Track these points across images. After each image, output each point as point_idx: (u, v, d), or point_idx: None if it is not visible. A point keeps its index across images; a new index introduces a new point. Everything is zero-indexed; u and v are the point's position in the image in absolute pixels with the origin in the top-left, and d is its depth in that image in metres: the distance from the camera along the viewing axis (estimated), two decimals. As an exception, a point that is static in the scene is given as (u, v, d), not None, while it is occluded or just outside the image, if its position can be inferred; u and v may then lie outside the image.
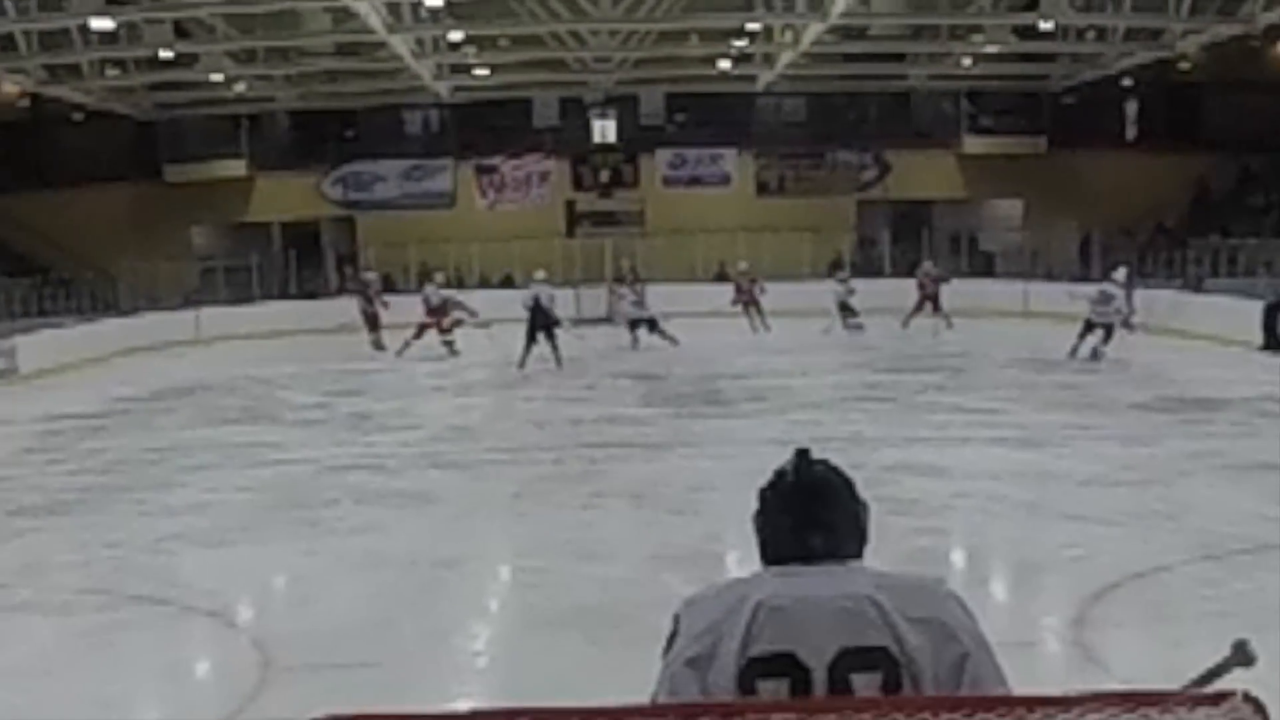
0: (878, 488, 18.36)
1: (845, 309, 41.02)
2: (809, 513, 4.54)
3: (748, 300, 41.52)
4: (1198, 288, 38.70)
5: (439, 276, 38.42)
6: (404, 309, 39.83)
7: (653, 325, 38.49)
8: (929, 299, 40.11)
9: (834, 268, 46.07)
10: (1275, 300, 32.84)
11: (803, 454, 4.64)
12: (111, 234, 49.78)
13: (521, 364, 31.50)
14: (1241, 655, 5.00)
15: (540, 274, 34.64)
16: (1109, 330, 29.33)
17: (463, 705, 6.40)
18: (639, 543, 15.91)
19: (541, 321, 31.30)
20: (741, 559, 15.30)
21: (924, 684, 4.25)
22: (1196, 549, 15.02)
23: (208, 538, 17.04)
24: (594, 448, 22.12)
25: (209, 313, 47.07)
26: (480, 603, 14.39)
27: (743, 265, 43.91)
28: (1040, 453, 21.22)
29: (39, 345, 38.99)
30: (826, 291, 41.84)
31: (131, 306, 45.86)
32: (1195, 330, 36.21)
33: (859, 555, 4.50)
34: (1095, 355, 29.43)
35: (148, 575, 15.18)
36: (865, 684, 4.21)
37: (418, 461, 21.73)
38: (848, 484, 4.65)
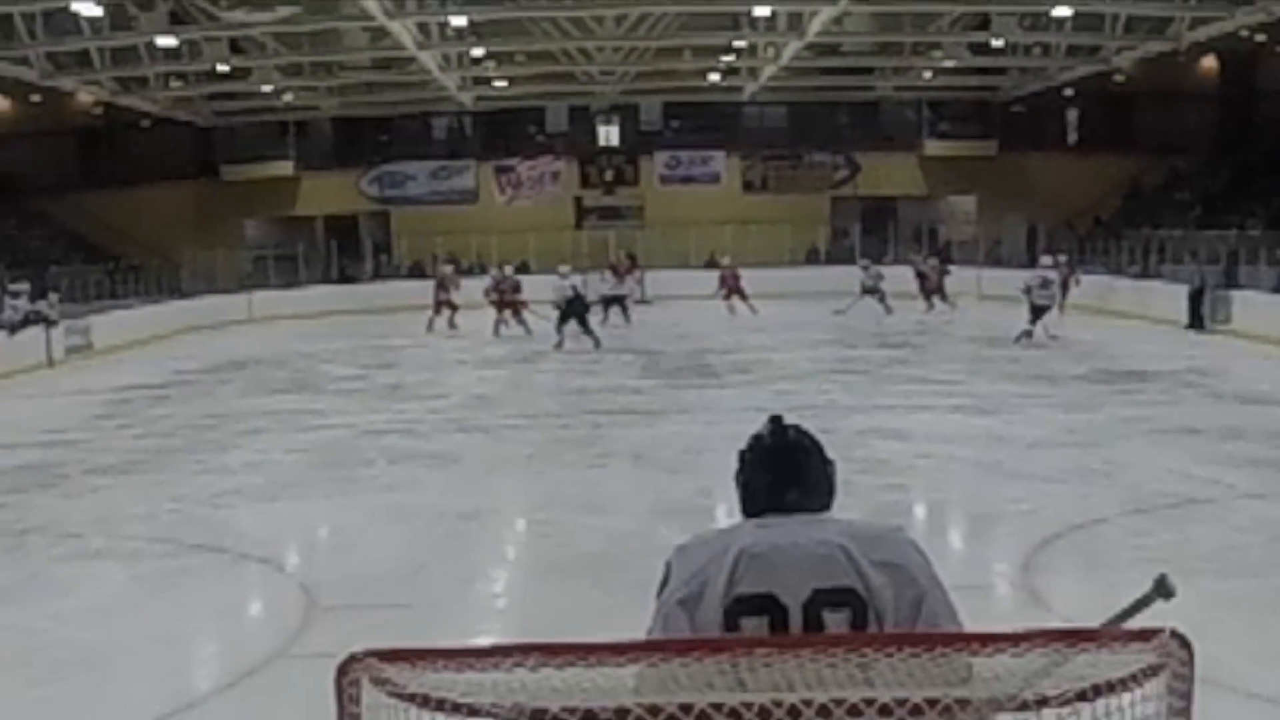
0: (849, 450, 18.57)
1: (873, 292, 40.70)
2: (784, 471, 4.69)
3: (730, 289, 41.06)
4: (1145, 273, 38.82)
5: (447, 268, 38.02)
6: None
7: (620, 301, 39.10)
8: (933, 288, 40.24)
9: (863, 257, 45.53)
10: (1199, 286, 33.04)
11: (777, 420, 4.79)
12: (174, 226, 49.87)
13: (559, 344, 31.33)
14: (1163, 589, 4.96)
15: (565, 268, 34.18)
16: (1043, 310, 29.40)
17: (483, 641, 6.47)
18: (638, 497, 15.95)
19: (578, 308, 31.03)
20: (729, 511, 15.28)
21: (887, 621, 4.41)
22: (1129, 503, 15.08)
23: (259, 493, 17.17)
24: (599, 414, 22.15)
25: (260, 295, 47.43)
26: (499, 551, 14.45)
27: (725, 259, 44.00)
28: (992, 419, 21.28)
29: (111, 324, 39.13)
30: (850, 277, 42.04)
31: (192, 290, 45.90)
32: (1129, 311, 36.27)
33: (828, 507, 4.62)
34: (1050, 335, 29.41)
35: (206, 526, 15.26)
36: (835, 621, 4.37)
37: (444, 426, 21.77)
38: (817, 445, 4.77)
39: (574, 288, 31.03)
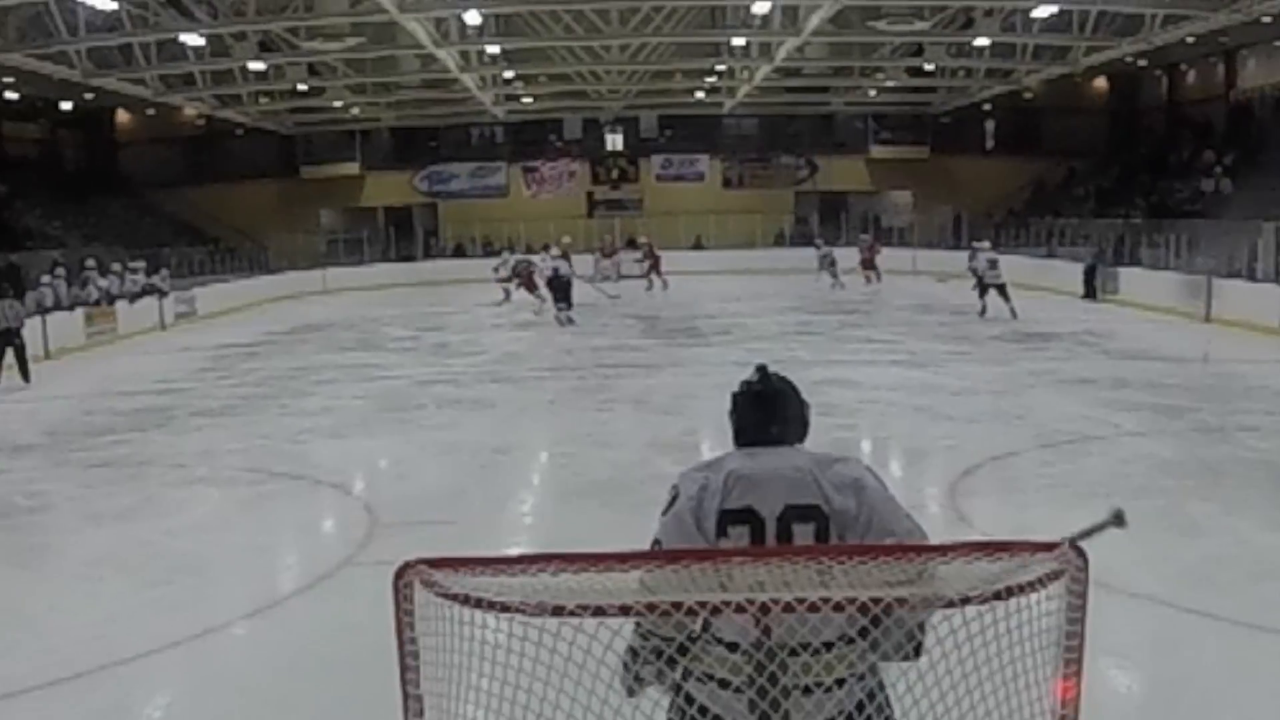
0: (809, 396, 18.41)
1: (829, 267, 40.94)
2: (768, 410, 4.84)
3: (651, 264, 40.76)
4: (1049, 253, 38.80)
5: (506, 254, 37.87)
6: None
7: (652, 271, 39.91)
8: (871, 261, 40.15)
9: (861, 233, 45.65)
10: (1093, 263, 33.23)
11: (763, 369, 5.00)
12: (262, 215, 49.88)
13: (561, 320, 30.08)
14: (1117, 520, 5.17)
15: (556, 250, 33.56)
16: (1003, 288, 28.52)
17: (513, 551, 6.43)
18: (639, 435, 15.94)
19: (558, 285, 30.02)
20: (712, 446, 15.30)
21: (846, 532, 4.59)
22: (1036, 440, 15.11)
23: (331, 432, 17.19)
24: (607, 368, 22.09)
25: (332, 271, 47.32)
26: (525, 478, 14.41)
27: (643, 239, 44.10)
28: (924, 371, 21.25)
29: (211, 295, 39.11)
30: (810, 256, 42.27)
31: (277, 267, 45.85)
32: (1035, 284, 36.20)
33: (803, 440, 4.84)
34: (1014, 314, 28.48)
35: (288, 458, 15.30)
36: (802, 531, 4.57)
37: (481, 377, 21.73)
38: (795, 390, 4.96)
39: (556, 269, 30.10)
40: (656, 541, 4.70)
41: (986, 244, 31.15)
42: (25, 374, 22.06)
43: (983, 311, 29.30)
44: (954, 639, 4.45)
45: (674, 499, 4.73)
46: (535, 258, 33.71)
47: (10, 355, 22.37)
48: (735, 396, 5.01)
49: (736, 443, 4.90)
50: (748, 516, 4.60)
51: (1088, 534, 5.11)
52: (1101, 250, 34.37)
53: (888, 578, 4.27)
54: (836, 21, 31.35)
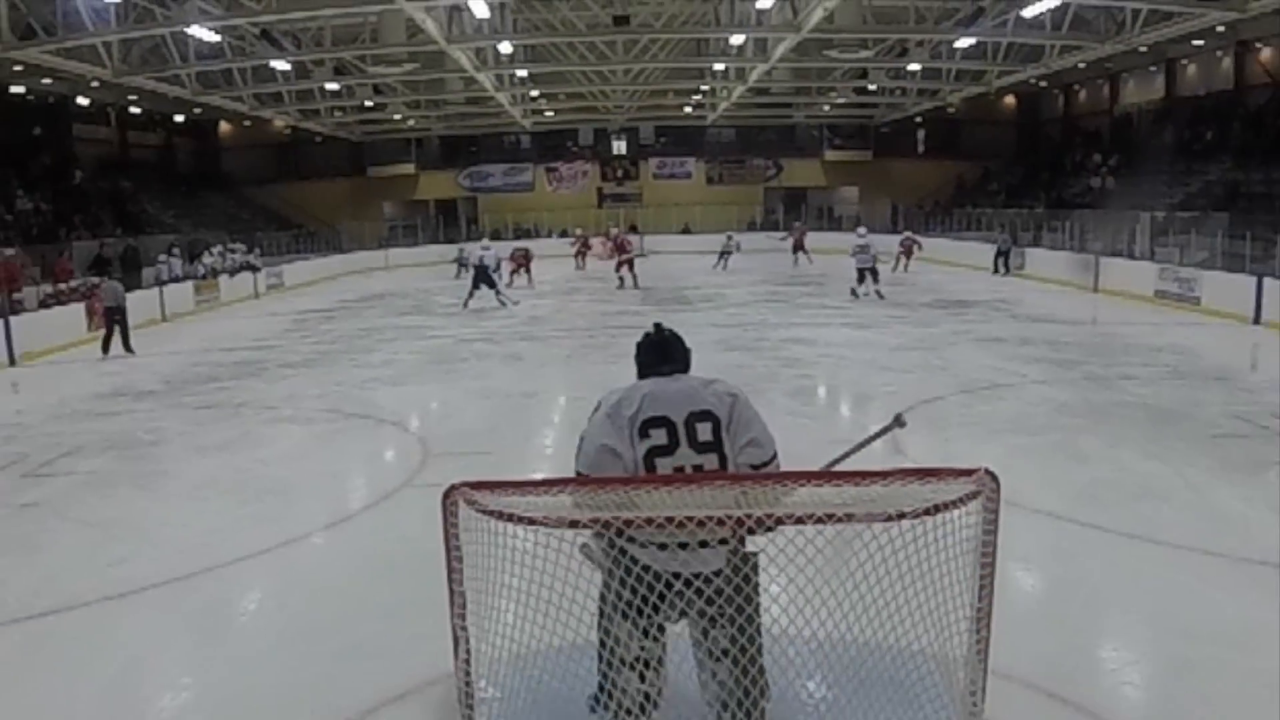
0: (776, 351, 18.52)
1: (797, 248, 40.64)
2: (664, 352, 5.50)
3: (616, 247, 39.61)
4: (967, 237, 38.82)
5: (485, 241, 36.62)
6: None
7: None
8: (800, 244, 39.87)
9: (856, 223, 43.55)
10: (1004, 246, 32.82)
11: (658, 325, 5.76)
12: (336, 206, 49.84)
13: (465, 304, 27.29)
14: (899, 422, 6.55)
15: (486, 240, 32.14)
16: (874, 272, 27.05)
17: (537, 476, 6.39)
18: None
19: (483, 276, 27.56)
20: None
21: (724, 427, 5.21)
22: (957, 387, 15.03)
23: (392, 380, 17.13)
24: (613, 328, 21.93)
25: (392, 251, 47.33)
26: (548, 417, 14.33)
27: (614, 229, 43.77)
28: (868, 331, 21.14)
29: (295, 270, 39.03)
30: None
31: (348, 248, 45.79)
32: (956, 261, 36.14)
33: (687, 371, 5.44)
34: (879, 295, 26.80)
35: (357, 401, 15.24)
36: (702, 428, 5.16)
37: (511, 336, 21.64)
38: (679, 337, 5.65)
39: (481, 259, 27.94)
40: (582, 438, 5.28)
41: (863, 229, 30.32)
42: (128, 345, 21.32)
43: (854, 294, 27.25)
44: (892, 546, 4.48)
45: (598, 408, 5.30)
46: (476, 245, 31.52)
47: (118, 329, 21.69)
48: (639, 344, 5.66)
49: (641, 375, 5.48)
50: (663, 421, 5.11)
51: (878, 435, 6.59)
52: (1011, 235, 33.97)
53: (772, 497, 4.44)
54: (798, 50, 31.28)
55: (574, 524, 4.44)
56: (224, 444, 12.99)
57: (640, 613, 4.66)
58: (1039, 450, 11.33)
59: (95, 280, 27.59)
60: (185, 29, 24.85)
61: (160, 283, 29.53)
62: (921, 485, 4.55)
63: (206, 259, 34.11)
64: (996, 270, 33.43)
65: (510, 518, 4.50)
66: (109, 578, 8.32)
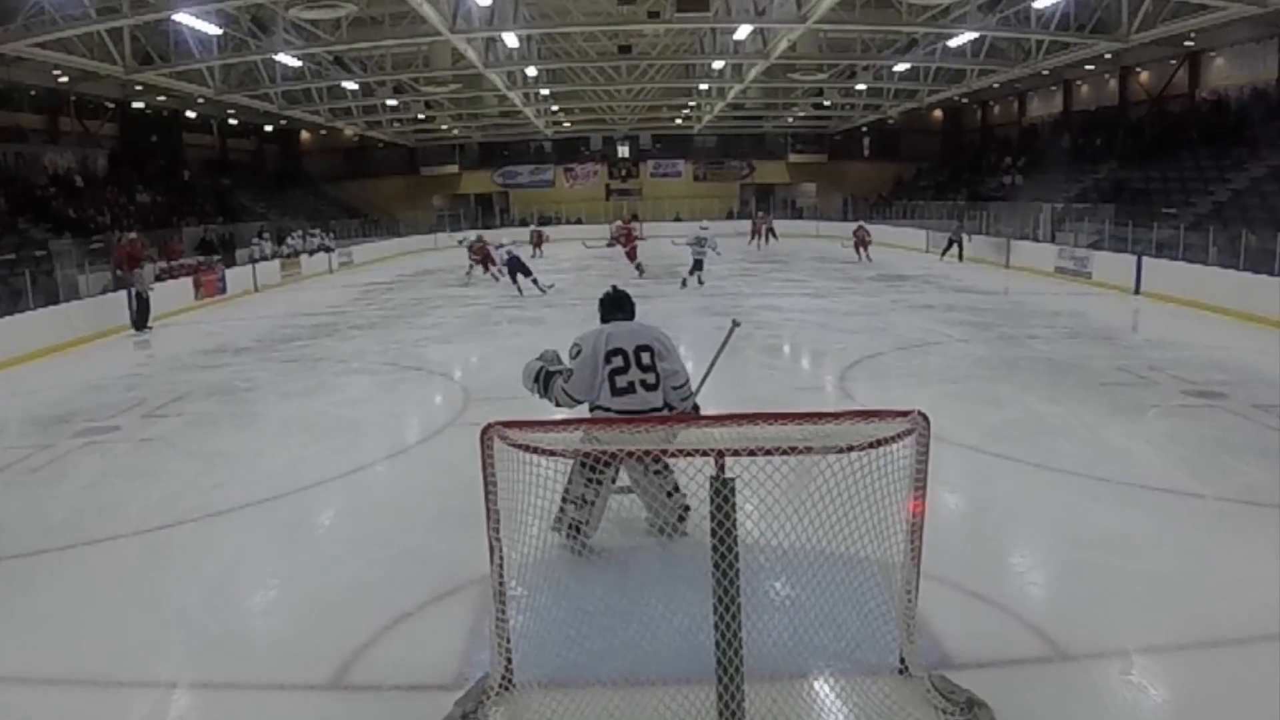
0: (750, 315, 18.44)
1: (770, 233, 39.67)
2: (619, 304, 6.97)
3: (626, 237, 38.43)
4: (902, 224, 38.74)
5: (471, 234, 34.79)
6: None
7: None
8: (760, 230, 39.35)
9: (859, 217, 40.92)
10: (954, 235, 31.08)
11: (614, 287, 7.18)
12: (396, 199, 49.66)
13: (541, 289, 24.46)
14: (735, 324, 8.31)
15: (503, 239, 30.40)
16: (699, 263, 24.40)
17: (556, 417, 6.39)
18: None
19: (518, 265, 24.47)
20: (686, 346, 15.23)
21: (656, 355, 6.48)
22: (895, 344, 14.96)
23: (440, 339, 17.04)
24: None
25: (440, 235, 45.94)
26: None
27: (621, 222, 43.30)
28: (825, 300, 21.04)
29: (362, 250, 38.80)
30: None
31: (405, 233, 45.46)
32: (895, 244, 36.00)
33: (633, 318, 6.87)
34: (700, 282, 24.32)
35: (412, 356, 15.16)
36: (644, 356, 6.44)
37: (537, 305, 21.49)
38: (628, 295, 7.04)
39: (509, 252, 24.95)
40: (571, 373, 6.63)
41: (706, 223, 28.42)
42: (144, 323, 20.07)
43: (684, 284, 24.21)
44: (843, 473, 4.47)
45: (580, 348, 6.56)
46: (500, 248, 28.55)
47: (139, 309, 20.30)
48: (602, 300, 7.04)
49: (603, 320, 6.84)
50: (619, 351, 6.43)
51: (725, 342, 8.04)
52: (961, 223, 32.23)
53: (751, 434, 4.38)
54: (767, 73, 31.19)
55: (586, 455, 4.46)
56: (304, 391, 12.98)
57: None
58: (961, 396, 11.31)
59: (202, 259, 27.58)
60: (273, 56, 24.77)
61: (253, 261, 29.54)
62: (867, 424, 4.64)
63: (290, 241, 34.02)
64: (944, 254, 30.97)
65: (535, 450, 4.57)
66: (211, 498, 8.35)
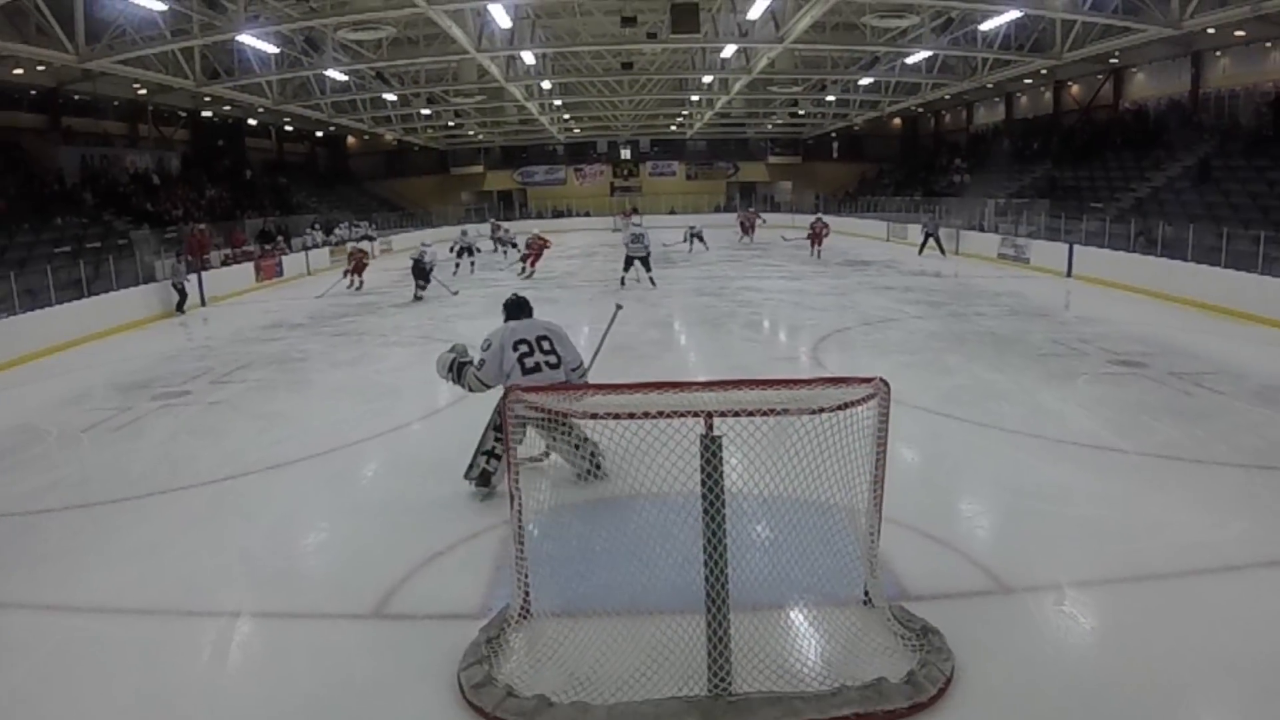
0: (734, 296, 18.39)
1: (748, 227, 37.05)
2: (520, 306, 7.08)
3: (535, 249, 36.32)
4: (862, 215, 38.56)
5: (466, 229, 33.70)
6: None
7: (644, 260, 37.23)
8: (747, 224, 38.92)
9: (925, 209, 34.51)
10: (929, 228, 28.09)
11: (515, 294, 7.22)
12: (429, 195, 49.34)
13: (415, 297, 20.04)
14: (618, 307, 8.77)
15: (427, 239, 29.22)
16: (639, 260, 20.00)
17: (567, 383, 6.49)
18: (641, 316, 15.59)
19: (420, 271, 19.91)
20: (681, 323, 15.21)
21: (555, 341, 6.82)
22: (860, 320, 14.92)
23: (468, 316, 16.88)
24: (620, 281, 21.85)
25: (468, 226, 45.81)
26: (575, 342, 14.16)
27: (629, 211, 42.61)
28: (800, 282, 20.93)
29: (400, 239, 38.14)
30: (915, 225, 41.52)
31: (437, 224, 45.14)
32: (860, 233, 35.90)
33: (532, 315, 7.01)
34: (652, 283, 19.90)
35: (444, 330, 15.09)
36: (544, 343, 6.73)
37: (550, 286, 21.35)
38: (528, 300, 7.17)
39: (422, 254, 20.37)
40: (483, 362, 6.71)
41: (638, 219, 24.75)
42: (180, 308, 19.16)
43: (622, 282, 20.55)
44: (816, 432, 4.42)
45: (491, 343, 6.70)
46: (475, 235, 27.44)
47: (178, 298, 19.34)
48: (506, 303, 7.12)
49: (507, 319, 6.93)
50: (524, 340, 6.67)
51: (608, 328, 8.55)
52: (934, 216, 29.59)
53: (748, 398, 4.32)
54: (750, 87, 31.11)
55: (593, 415, 4.44)
56: (351, 360, 12.94)
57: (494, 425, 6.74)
58: (917, 365, 11.25)
59: (263, 247, 27.48)
60: (323, 72, 24.70)
61: (305, 248, 29.50)
62: (836, 389, 4.61)
63: (338, 231, 33.89)
64: (923, 251, 27.36)
65: (549, 411, 4.53)
66: (271, 453, 8.34)
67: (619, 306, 8.91)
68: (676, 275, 22.95)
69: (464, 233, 27.57)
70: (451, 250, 25.89)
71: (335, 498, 7.13)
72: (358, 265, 23.05)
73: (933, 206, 30.99)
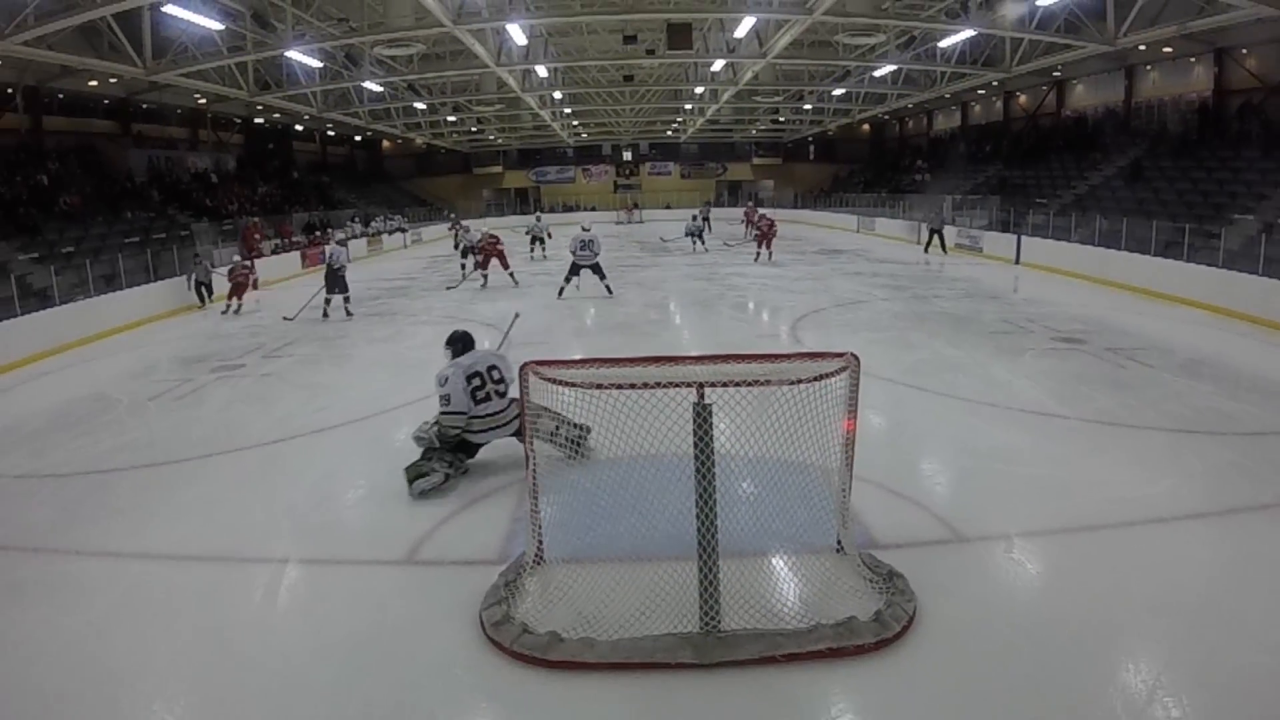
0: (723, 281, 18.27)
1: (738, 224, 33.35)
2: (465, 341, 6.58)
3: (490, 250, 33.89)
4: (835, 210, 38.38)
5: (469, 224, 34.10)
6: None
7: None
8: (751, 220, 38.51)
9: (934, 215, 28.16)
10: (936, 226, 24.98)
11: (456, 330, 6.63)
12: (454, 192, 48.97)
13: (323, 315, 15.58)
14: (516, 315, 8.50)
15: (339, 235, 25.82)
16: (588, 268, 16.07)
17: (575, 357, 6.35)
18: (639, 299, 15.57)
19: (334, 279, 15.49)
20: (675, 305, 15.14)
21: (502, 370, 6.53)
22: (834, 302, 14.83)
23: (488, 299, 16.78)
24: (623, 266, 21.56)
25: (489, 219, 45.49)
26: (583, 321, 14.02)
27: (484, 230, 41.36)
28: (779, 269, 20.69)
29: (428, 231, 38.02)
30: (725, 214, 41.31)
31: (462, 218, 44.95)
32: (833, 226, 35.75)
33: (475, 347, 6.59)
34: (608, 291, 15.99)
35: (465, 310, 15.03)
36: (494, 373, 6.46)
37: (562, 271, 21.22)
38: (470, 334, 6.64)
39: (333, 256, 15.53)
40: (447, 397, 6.28)
41: (589, 224, 18.10)
42: (206, 299, 17.36)
43: (560, 293, 16.40)
44: (794, 400, 4.38)
45: (448, 378, 6.29)
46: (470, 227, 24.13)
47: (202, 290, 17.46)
48: (452, 340, 6.55)
49: (455, 356, 6.47)
50: (477, 373, 6.36)
51: (507, 332, 8.28)
52: (940, 216, 25.85)
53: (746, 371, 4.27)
54: (736, 97, 31.04)
55: (600, 386, 4.41)
56: (385, 338, 12.88)
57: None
58: (884, 341, 11.18)
59: (308, 238, 27.34)
60: (361, 84, 24.53)
61: (345, 240, 29.30)
62: (812, 362, 4.57)
63: (374, 224, 33.79)
64: (928, 249, 24.48)
65: (559, 382, 4.51)
66: (314, 419, 8.31)
67: (516, 315, 8.78)
68: (671, 261, 22.85)
69: (465, 229, 24.27)
70: (456, 248, 24.98)
71: (372, 458, 7.09)
72: (237, 286, 16.61)
73: (938, 204, 27.70)
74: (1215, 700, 3.81)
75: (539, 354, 5.26)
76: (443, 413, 6.37)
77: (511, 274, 18.89)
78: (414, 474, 6.18)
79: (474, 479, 6.42)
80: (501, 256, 19.19)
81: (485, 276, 18.93)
